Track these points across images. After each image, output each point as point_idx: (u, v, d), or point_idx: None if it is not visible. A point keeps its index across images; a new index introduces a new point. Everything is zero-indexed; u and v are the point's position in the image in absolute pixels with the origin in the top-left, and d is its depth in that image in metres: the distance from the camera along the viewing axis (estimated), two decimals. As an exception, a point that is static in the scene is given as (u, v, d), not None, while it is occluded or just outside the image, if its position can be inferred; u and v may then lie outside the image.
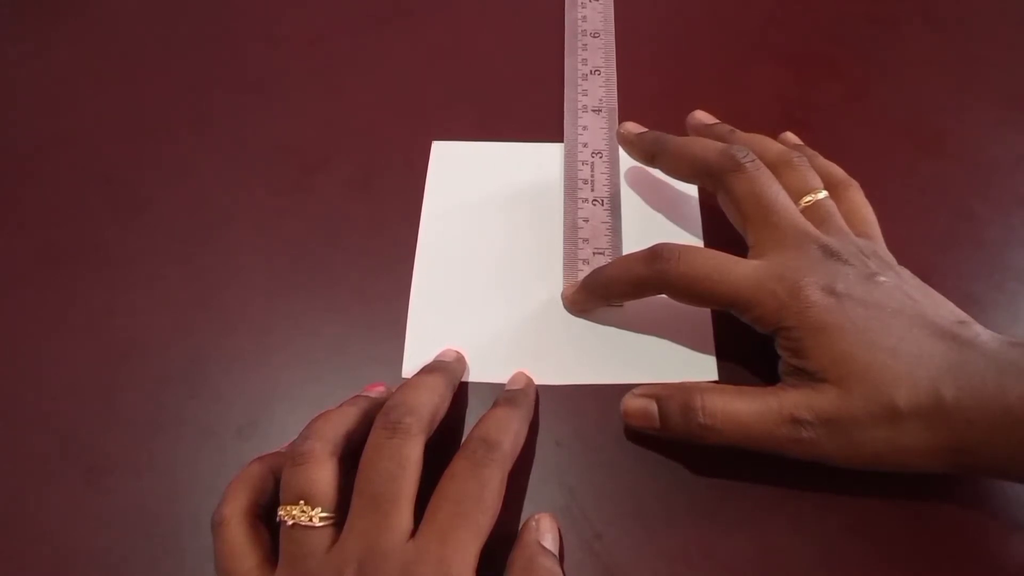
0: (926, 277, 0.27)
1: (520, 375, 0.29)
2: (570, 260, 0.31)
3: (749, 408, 0.25)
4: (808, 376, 0.24)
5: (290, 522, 0.22)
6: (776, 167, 0.28)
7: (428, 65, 0.39)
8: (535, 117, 0.36)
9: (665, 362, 0.29)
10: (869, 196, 0.29)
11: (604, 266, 0.29)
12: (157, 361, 0.30)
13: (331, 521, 0.22)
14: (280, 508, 0.23)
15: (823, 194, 0.28)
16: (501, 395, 0.28)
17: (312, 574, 0.21)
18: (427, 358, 0.29)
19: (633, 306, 0.30)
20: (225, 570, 0.23)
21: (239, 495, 0.23)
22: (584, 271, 0.31)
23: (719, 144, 0.29)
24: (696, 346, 0.29)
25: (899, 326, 0.24)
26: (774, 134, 0.32)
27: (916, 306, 0.25)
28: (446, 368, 0.27)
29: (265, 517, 0.24)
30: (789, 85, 0.37)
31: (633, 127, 0.32)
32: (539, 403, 0.28)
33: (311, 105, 0.37)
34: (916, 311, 0.25)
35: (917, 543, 0.25)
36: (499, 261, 0.32)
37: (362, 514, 0.22)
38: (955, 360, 0.23)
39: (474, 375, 0.29)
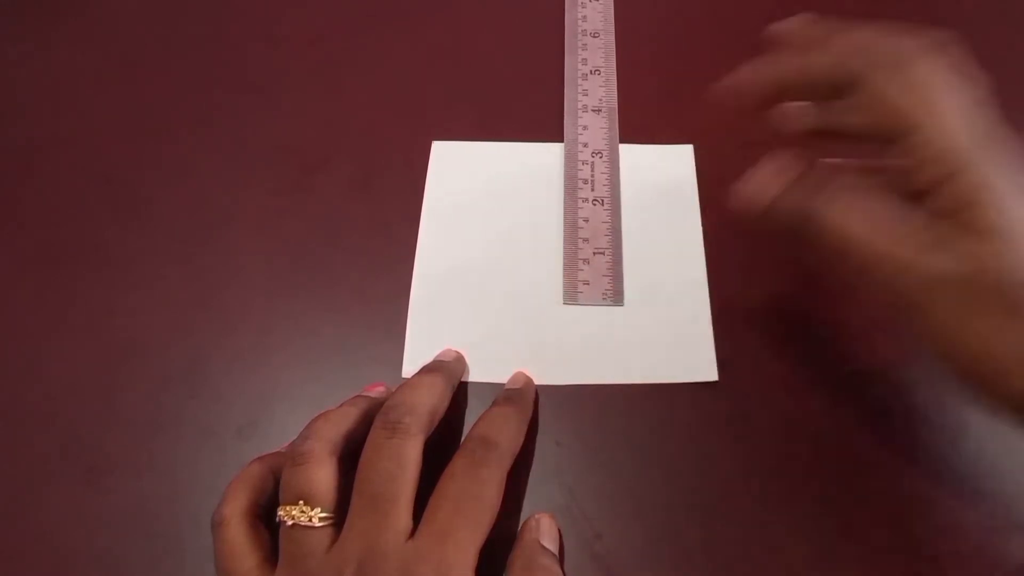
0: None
1: (520, 375, 0.29)
2: (570, 260, 0.31)
3: (885, 243, 0.21)
4: (964, 227, 0.20)
5: (290, 522, 0.22)
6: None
7: (428, 65, 0.39)
8: (535, 117, 0.36)
9: (665, 362, 0.29)
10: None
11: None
12: (157, 361, 0.30)
13: (331, 521, 0.22)
14: (280, 508, 0.23)
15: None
16: (500, 394, 0.28)
17: (312, 574, 0.21)
18: (427, 358, 0.29)
19: (633, 306, 0.30)
20: (225, 570, 0.23)
21: (239, 495, 0.23)
22: (584, 271, 0.31)
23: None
24: (696, 346, 0.29)
25: None
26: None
27: None
28: (446, 368, 0.27)
29: (265, 517, 0.24)
30: (789, 85, 0.37)
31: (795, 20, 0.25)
32: (539, 403, 0.28)
33: (311, 105, 0.37)
34: None
35: (917, 543, 0.25)
36: (499, 261, 0.32)
37: (362, 514, 0.22)
38: None
39: (474, 375, 0.29)
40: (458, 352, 0.29)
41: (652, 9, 0.41)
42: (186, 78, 0.39)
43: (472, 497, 0.22)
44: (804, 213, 0.23)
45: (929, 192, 0.21)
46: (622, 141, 0.35)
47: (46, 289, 0.32)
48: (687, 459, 0.27)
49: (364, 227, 0.33)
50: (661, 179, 0.34)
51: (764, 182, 0.23)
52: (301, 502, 0.22)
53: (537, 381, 0.29)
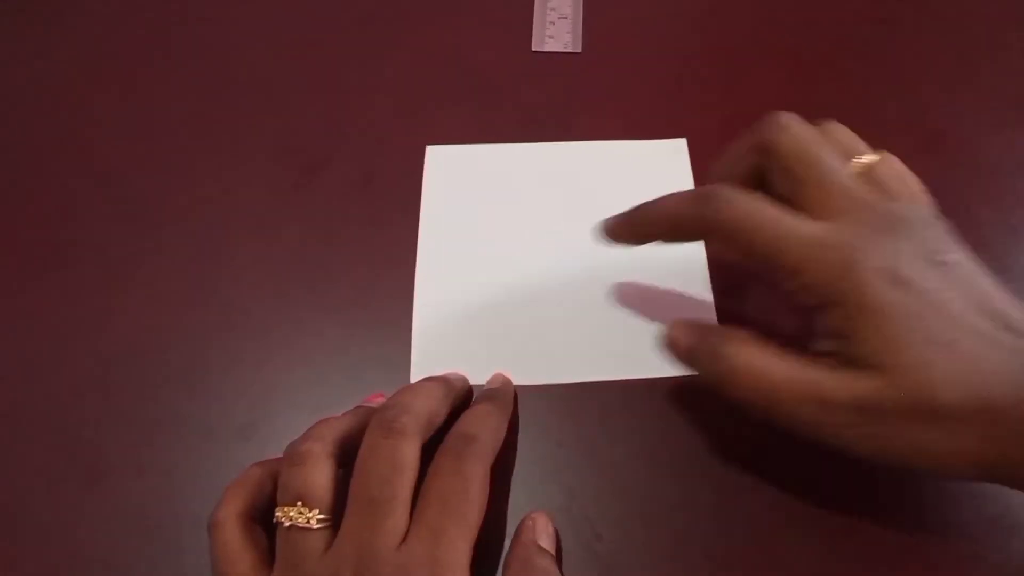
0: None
1: (498, 375, 0.29)
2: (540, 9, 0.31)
3: (782, 374, 0.23)
4: (849, 359, 0.22)
5: (287, 524, 0.22)
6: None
7: (427, 65, 0.39)
8: (535, 117, 0.36)
9: (665, 361, 0.29)
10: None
11: (652, 200, 0.26)
12: (157, 361, 0.30)
13: (328, 523, 0.22)
14: (277, 509, 0.22)
15: (874, 156, 0.24)
16: (479, 394, 0.28)
17: (308, 576, 0.21)
18: (433, 364, 0.29)
19: (633, 305, 0.30)
20: (221, 572, 0.22)
21: (236, 497, 0.23)
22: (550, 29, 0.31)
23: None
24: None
25: (960, 318, 0.21)
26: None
27: (981, 296, 0.22)
28: (447, 379, 0.27)
29: (262, 520, 0.24)
30: (789, 85, 0.37)
31: None
32: (538, 403, 0.28)
33: (311, 105, 0.37)
34: (980, 301, 0.22)
35: (917, 543, 0.25)
36: (498, 261, 0.32)
37: (357, 517, 0.22)
38: (1018, 362, 0.21)
39: (476, 377, 0.29)
40: (464, 377, 0.29)
41: (652, 9, 0.41)
42: (186, 78, 0.39)
43: (458, 493, 0.22)
44: (709, 352, 0.24)
45: (819, 309, 0.23)
46: (615, 138, 0.35)
47: (46, 289, 0.32)
48: (687, 459, 0.27)
49: (364, 227, 0.33)
50: (656, 174, 0.34)
51: (676, 334, 0.26)
52: (299, 503, 0.22)
53: (536, 381, 0.29)
